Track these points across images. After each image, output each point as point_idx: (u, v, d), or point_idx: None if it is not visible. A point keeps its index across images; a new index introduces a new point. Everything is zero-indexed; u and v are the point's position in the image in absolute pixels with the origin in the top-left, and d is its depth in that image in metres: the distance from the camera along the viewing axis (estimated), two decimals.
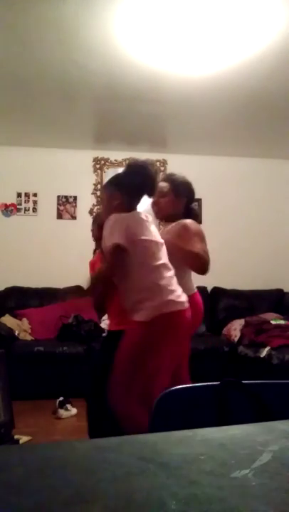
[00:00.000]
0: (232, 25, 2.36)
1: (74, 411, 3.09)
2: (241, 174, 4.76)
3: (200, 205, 4.65)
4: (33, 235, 4.44)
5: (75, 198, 4.51)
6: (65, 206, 4.53)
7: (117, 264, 1.85)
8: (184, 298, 1.93)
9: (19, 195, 4.48)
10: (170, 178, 2.30)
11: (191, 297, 2.08)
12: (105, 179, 4.43)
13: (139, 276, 1.87)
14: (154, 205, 2.29)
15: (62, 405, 3.10)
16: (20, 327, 3.79)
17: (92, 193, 4.56)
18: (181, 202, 2.28)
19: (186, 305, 1.93)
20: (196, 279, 2.27)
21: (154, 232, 1.99)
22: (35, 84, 3.08)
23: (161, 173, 4.64)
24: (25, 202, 4.48)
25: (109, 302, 2.04)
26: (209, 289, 4.43)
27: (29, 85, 3.09)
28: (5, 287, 4.19)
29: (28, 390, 3.36)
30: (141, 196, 2.01)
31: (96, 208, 4.49)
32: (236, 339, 3.74)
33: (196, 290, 2.28)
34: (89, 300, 2.49)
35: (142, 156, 4.84)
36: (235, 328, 3.86)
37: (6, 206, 4.46)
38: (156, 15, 2.26)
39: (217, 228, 4.69)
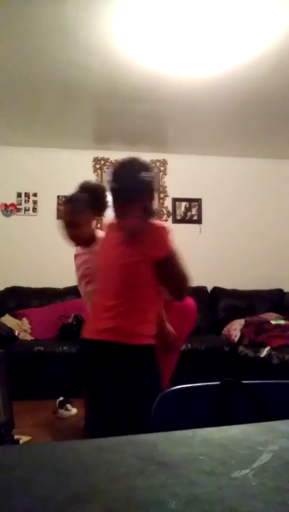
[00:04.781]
0: (231, 27, 2.36)
1: (74, 411, 3.09)
2: (241, 174, 4.76)
3: (200, 205, 4.65)
4: (33, 235, 4.44)
5: None
6: None
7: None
8: None
9: (19, 195, 4.48)
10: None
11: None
12: (105, 179, 4.43)
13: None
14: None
15: (62, 405, 3.10)
16: (20, 327, 3.78)
17: None
18: None
19: None
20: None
21: None
22: (35, 85, 3.08)
23: (161, 173, 4.66)
24: (25, 202, 4.48)
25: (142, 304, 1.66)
26: (209, 289, 4.43)
27: (29, 85, 3.09)
28: (5, 287, 4.19)
29: (28, 390, 3.36)
30: None
31: None
32: (236, 339, 3.74)
33: None
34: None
35: (142, 156, 4.89)
36: (236, 328, 3.86)
37: (6, 206, 4.46)
38: (156, 15, 2.26)
39: (217, 228, 4.70)
